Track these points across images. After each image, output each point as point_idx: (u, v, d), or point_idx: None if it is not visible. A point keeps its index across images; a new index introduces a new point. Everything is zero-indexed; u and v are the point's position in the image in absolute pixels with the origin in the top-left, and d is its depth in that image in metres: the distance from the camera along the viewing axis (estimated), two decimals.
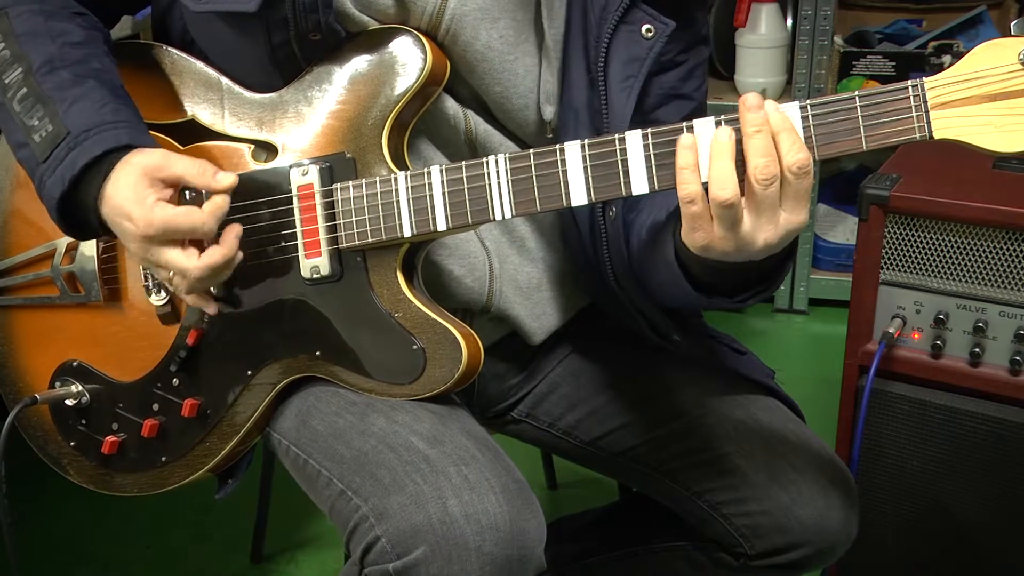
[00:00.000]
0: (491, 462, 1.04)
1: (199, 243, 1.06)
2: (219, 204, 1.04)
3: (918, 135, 0.91)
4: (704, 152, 0.93)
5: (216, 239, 1.06)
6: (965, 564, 1.52)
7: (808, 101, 0.93)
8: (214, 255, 1.05)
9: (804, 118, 0.93)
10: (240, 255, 1.08)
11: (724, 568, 1.27)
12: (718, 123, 0.94)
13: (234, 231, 1.07)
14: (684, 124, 0.95)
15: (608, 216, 1.13)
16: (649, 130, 0.96)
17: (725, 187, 0.90)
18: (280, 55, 1.10)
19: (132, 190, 1.03)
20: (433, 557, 0.98)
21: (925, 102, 0.90)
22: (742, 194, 0.91)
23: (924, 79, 0.90)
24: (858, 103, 0.91)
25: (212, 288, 1.13)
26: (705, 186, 0.92)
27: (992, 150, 0.89)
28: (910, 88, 0.90)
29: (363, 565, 1.03)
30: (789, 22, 2.60)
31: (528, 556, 1.01)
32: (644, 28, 1.10)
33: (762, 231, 0.92)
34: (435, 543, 0.98)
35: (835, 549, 1.22)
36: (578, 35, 1.12)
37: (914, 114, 0.90)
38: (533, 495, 1.05)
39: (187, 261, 1.04)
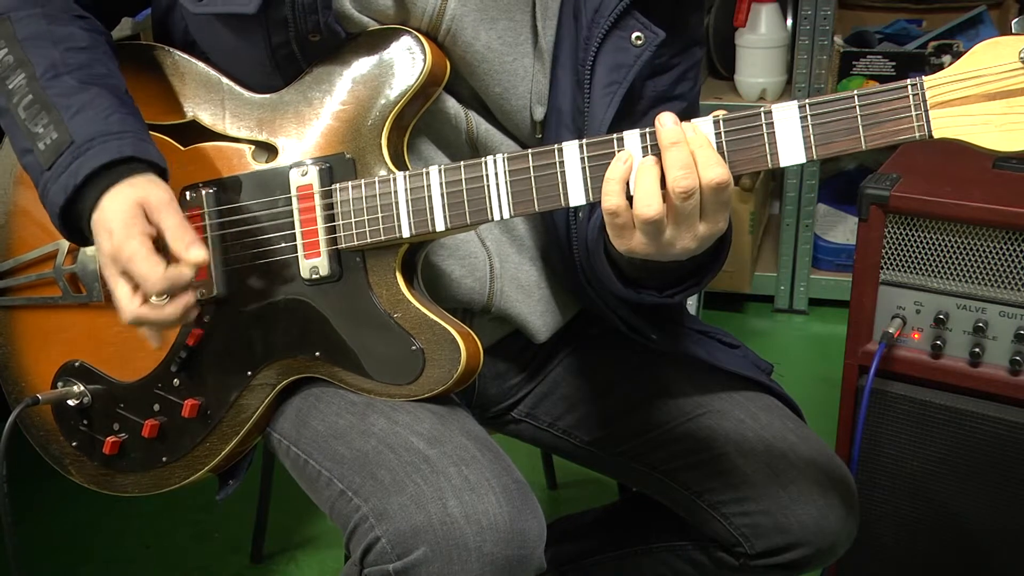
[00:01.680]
0: (491, 462, 1.04)
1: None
2: (179, 273, 1.02)
3: (917, 134, 0.91)
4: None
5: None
6: (965, 564, 1.52)
7: (807, 100, 0.93)
8: (147, 314, 1.04)
9: (803, 117, 0.93)
10: (189, 317, 1.06)
11: (724, 568, 1.27)
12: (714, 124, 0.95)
13: (182, 301, 1.05)
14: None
15: (579, 217, 1.14)
16: (647, 130, 0.96)
17: (650, 204, 0.93)
18: (280, 56, 1.10)
19: (125, 211, 1.03)
20: (433, 557, 0.98)
21: (924, 101, 0.90)
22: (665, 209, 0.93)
23: (923, 78, 0.90)
24: (857, 102, 0.91)
25: (215, 290, 1.13)
26: (629, 199, 0.94)
27: (992, 149, 0.89)
28: (909, 87, 0.90)
29: (363, 565, 1.03)
30: (789, 22, 2.60)
31: (528, 556, 1.01)
32: (634, 36, 1.10)
33: (681, 240, 0.95)
34: (435, 543, 0.98)
35: (835, 549, 1.23)
36: (568, 37, 1.12)
37: (913, 113, 0.90)
38: (533, 495, 1.05)
39: (126, 303, 1.04)
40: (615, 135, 0.98)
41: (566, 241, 1.16)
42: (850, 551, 1.25)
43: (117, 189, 1.04)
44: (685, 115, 0.96)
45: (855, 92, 0.91)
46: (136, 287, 1.04)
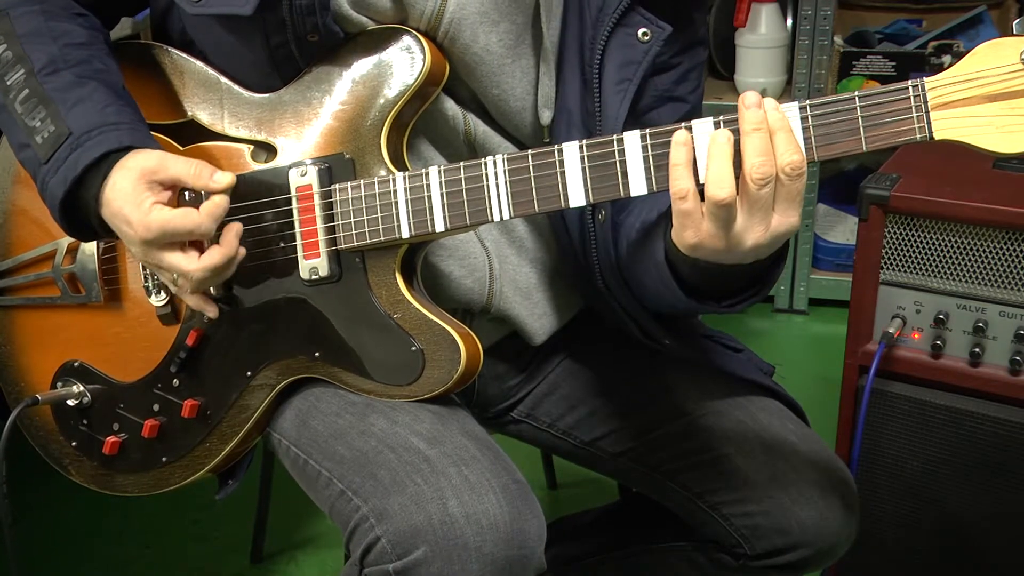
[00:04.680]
0: (491, 462, 1.04)
1: (199, 243, 1.06)
2: (217, 203, 1.04)
3: (918, 136, 0.90)
4: (701, 151, 0.93)
5: (216, 238, 1.06)
6: (965, 564, 1.52)
7: (808, 101, 0.92)
8: (214, 256, 1.05)
9: (804, 118, 0.92)
10: (243, 252, 1.08)
11: (724, 568, 1.27)
12: (716, 124, 0.94)
13: (233, 230, 1.07)
14: (684, 125, 0.94)
15: (597, 219, 1.13)
16: (648, 131, 0.96)
17: (723, 187, 0.90)
18: (278, 56, 1.10)
19: (129, 193, 1.03)
20: (433, 558, 0.98)
21: (926, 102, 0.90)
22: (737, 193, 0.91)
23: (924, 79, 0.90)
24: (858, 103, 0.91)
25: (212, 290, 1.13)
26: (699, 185, 0.92)
27: (993, 151, 0.89)
28: (910, 88, 0.90)
29: (363, 565, 1.03)
30: (789, 22, 2.60)
31: (528, 556, 1.01)
32: (640, 32, 1.10)
33: (752, 232, 0.92)
34: (435, 543, 0.98)
35: (835, 550, 1.22)
36: (573, 36, 1.12)
37: (914, 115, 0.90)
38: (533, 496, 1.05)
39: (187, 264, 1.05)
40: (614, 136, 0.97)
41: (580, 245, 1.15)
42: (850, 551, 1.25)
43: (111, 181, 1.05)
44: (688, 119, 0.95)
45: (856, 93, 0.91)
46: (183, 248, 1.04)
